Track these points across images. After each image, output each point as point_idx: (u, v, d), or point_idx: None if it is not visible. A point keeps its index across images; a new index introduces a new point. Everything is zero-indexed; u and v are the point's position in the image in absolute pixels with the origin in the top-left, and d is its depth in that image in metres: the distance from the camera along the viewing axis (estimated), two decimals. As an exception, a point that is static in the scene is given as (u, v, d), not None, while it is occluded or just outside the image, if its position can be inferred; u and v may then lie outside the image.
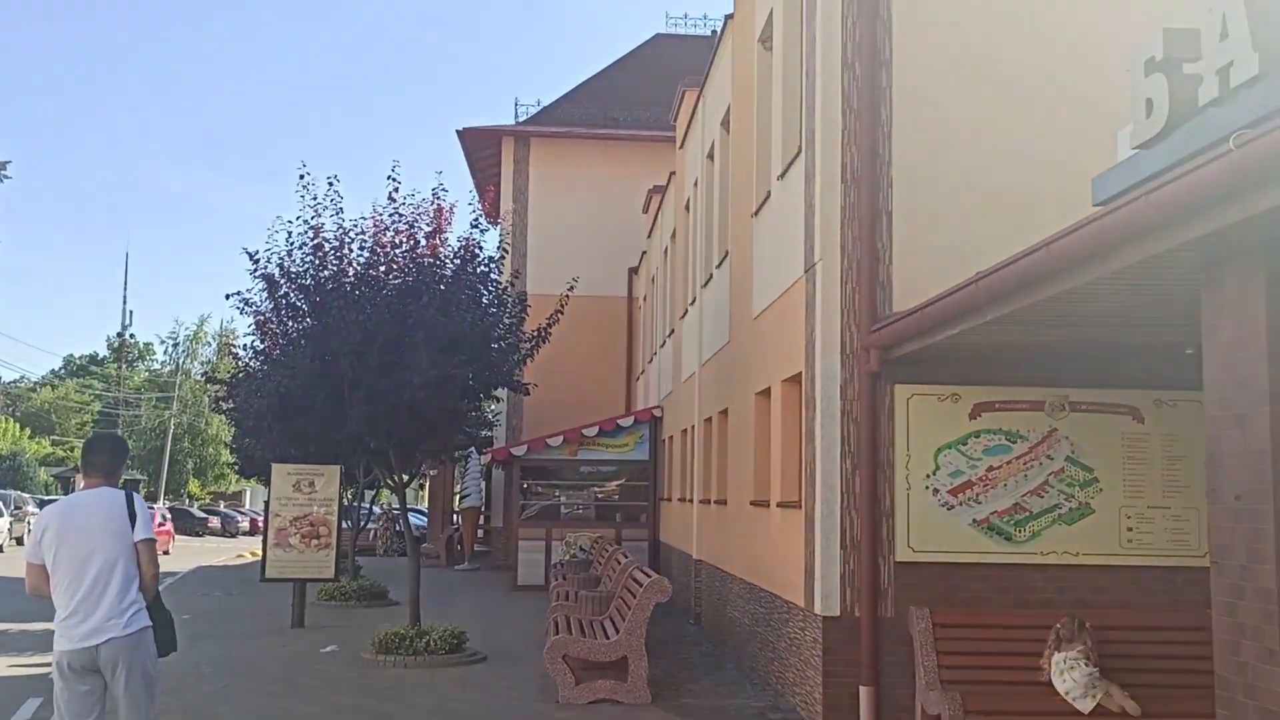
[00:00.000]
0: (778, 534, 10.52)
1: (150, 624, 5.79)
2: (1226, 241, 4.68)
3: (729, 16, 14.52)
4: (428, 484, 37.54)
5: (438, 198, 12.69)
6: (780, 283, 10.63)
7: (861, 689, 8.57)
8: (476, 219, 13.16)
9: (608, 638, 10.27)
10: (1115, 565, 8.81)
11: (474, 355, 11.80)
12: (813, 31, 9.52)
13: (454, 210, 12.74)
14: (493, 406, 20.83)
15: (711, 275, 15.21)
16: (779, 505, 10.52)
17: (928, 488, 8.82)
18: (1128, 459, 8.90)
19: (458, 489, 29.59)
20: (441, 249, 12.46)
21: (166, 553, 30.97)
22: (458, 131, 29.61)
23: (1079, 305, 6.33)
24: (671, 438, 19.90)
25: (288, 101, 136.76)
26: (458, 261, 12.44)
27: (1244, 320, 4.90)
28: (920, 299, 7.90)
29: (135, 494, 5.92)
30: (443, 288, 11.97)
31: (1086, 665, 7.92)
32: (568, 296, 13.48)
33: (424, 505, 42.44)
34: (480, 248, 12.75)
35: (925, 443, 8.86)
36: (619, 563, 13.79)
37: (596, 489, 22.55)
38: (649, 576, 10.61)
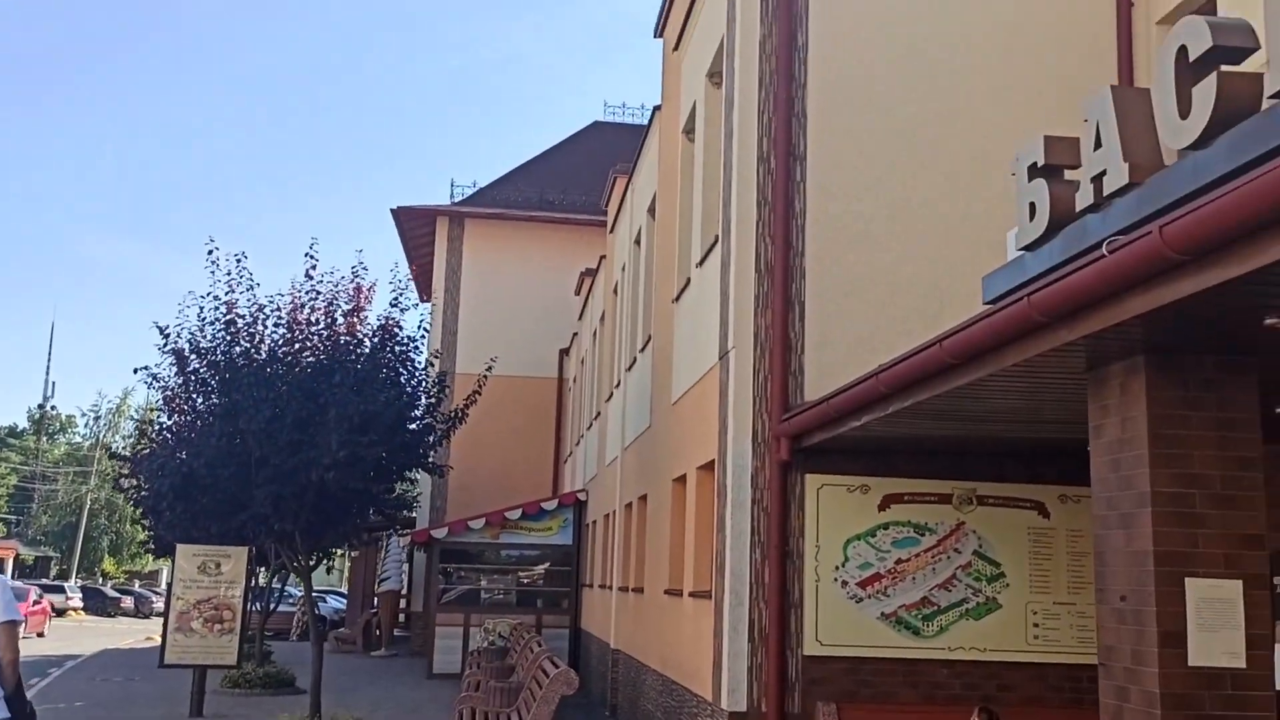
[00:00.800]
0: (689, 624, 10.37)
1: (8, 716, 5.48)
2: (1108, 343, 4.75)
3: (657, 107, 14.76)
4: (348, 566, 36.70)
5: (358, 275, 12.59)
6: (697, 369, 10.64)
7: (767, 787, 8.39)
8: (397, 297, 13.05)
9: (512, 731, 9.97)
10: (1021, 662, 8.78)
11: (387, 435, 11.61)
12: (731, 125, 9.68)
13: (374, 289, 12.66)
14: (410, 488, 20.46)
15: (635, 359, 15.22)
16: (691, 595, 10.38)
17: (836, 580, 8.76)
18: (1034, 554, 8.93)
19: (378, 571, 28.94)
20: (360, 327, 12.32)
21: (41, 634, 29.54)
22: (392, 210, 29.57)
23: (978, 400, 6.38)
24: (595, 522, 19.70)
25: (225, 174, 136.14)
26: (376, 340, 12.30)
27: (1127, 421, 4.96)
28: (831, 389, 7.93)
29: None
30: (359, 366, 11.81)
31: None
32: (486, 377, 13.38)
33: (345, 588, 41.43)
34: (400, 326, 12.64)
35: (835, 534, 8.82)
36: (532, 652, 13.49)
37: (519, 574, 22.16)
38: (556, 667, 10.36)
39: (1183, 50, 4.00)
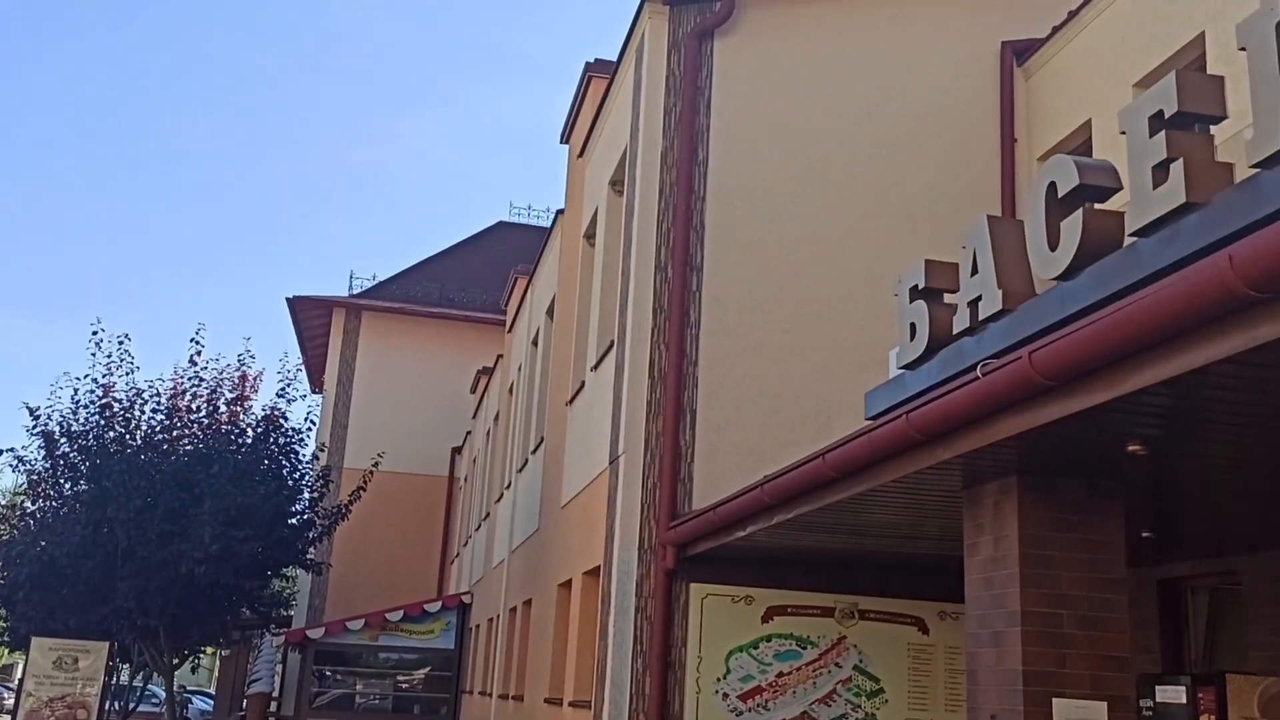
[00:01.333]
0: (568, 735, 10.12)
1: None
2: (983, 462, 4.87)
3: (560, 211, 14.93)
4: (218, 665, 35.07)
5: (244, 364, 12.32)
6: (587, 473, 10.58)
7: None
8: (285, 387, 12.77)
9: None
10: (900, 779, 8.74)
11: (264, 529, 11.24)
12: (631, 233, 9.83)
13: (261, 378, 12.39)
14: (287, 585, 19.74)
15: (527, 460, 15.08)
16: (571, 704, 10.14)
17: (718, 691, 8.66)
18: (913, 670, 8.97)
19: (249, 672, 27.68)
20: (243, 416, 12.00)
21: None
22: (288, 299, 29.13)
23: (859, 514, 6.45)
24: (479, 626, 19.22)
25: (116, 250, 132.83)
26: (259, 430, 11.98)
27: (1000, 539, 5.06)
28: (717, 497, 7.95)
29: None
30: (239, 456, 11.47)
31: None
32: (372, 472, 13.10)
33: (213, 688, 39.47)
34: (285, 418, 12.34)
35: (717, 644, 8.75)
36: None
37: (398, 678, 21.43)
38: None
39: (1052, 186, 4.21)
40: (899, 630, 9.03)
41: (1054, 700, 4.78)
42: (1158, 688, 6.06)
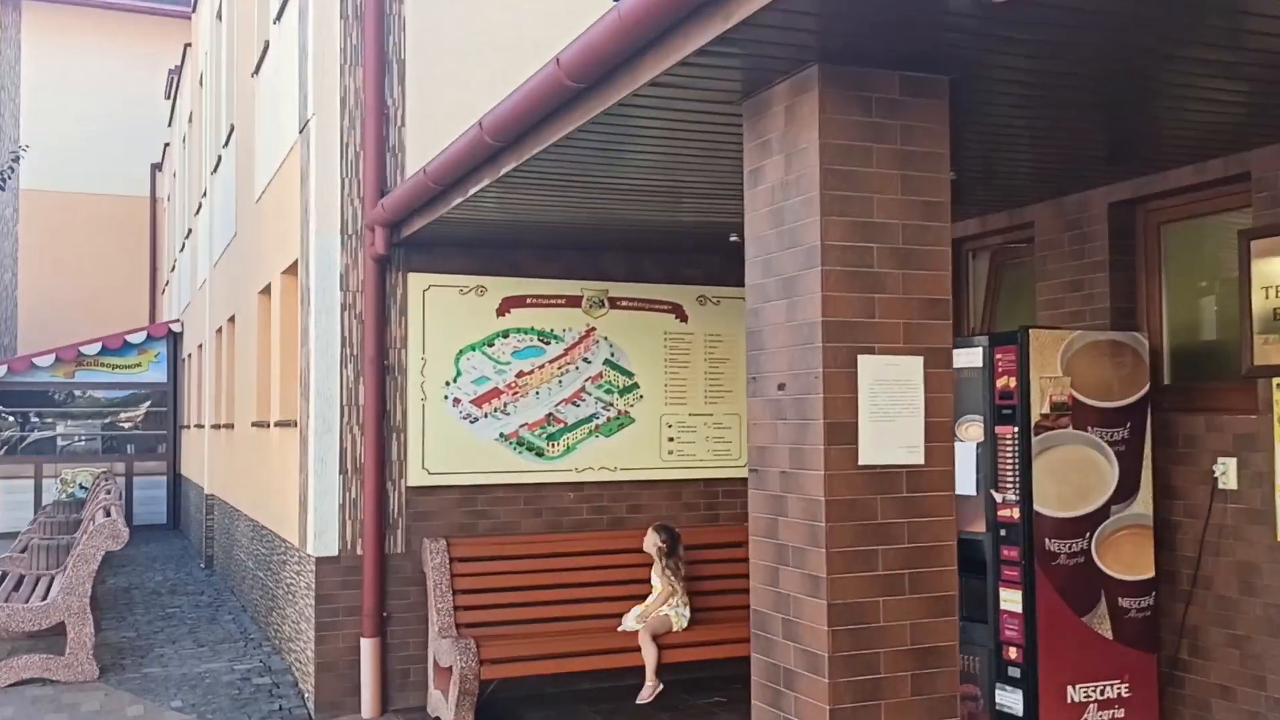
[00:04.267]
0: (276, 460, 8.69)
1: None
2: (772, 44, 3.49)
3: None
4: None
5: None
6: (279, 153, 8.67)
7: (363, 641, 7.04)
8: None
9: (44, 598, 7.97)
10: (656, 480, 7.89)
11: None
12: None
13: None
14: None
15: (220, 157, 12.80)
16: (277, 425, 8.67)
17: (447, 397, 7.38)
18: (670, 361, 7.97)
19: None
20: None
21: None
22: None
23: (607, 157, 5.04)
24: (190, 355, 17.20)
25: None
26: None
27: (793, 157, 3.77)
28: (434, 164, 6.32)
29: None
30: None
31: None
32: (12, 168, 10.56)
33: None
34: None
35: (444, 344, 7.39)
36: (98, 502, 11.29)
37: (107, 418, 19.29)
38: (109, 517, 8.39)
39: None
40: (654, 319, 7.94)
41: (860, 358, 3.67)
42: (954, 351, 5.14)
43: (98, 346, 18.27)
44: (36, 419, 18.96)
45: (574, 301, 7.73)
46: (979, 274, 7.05)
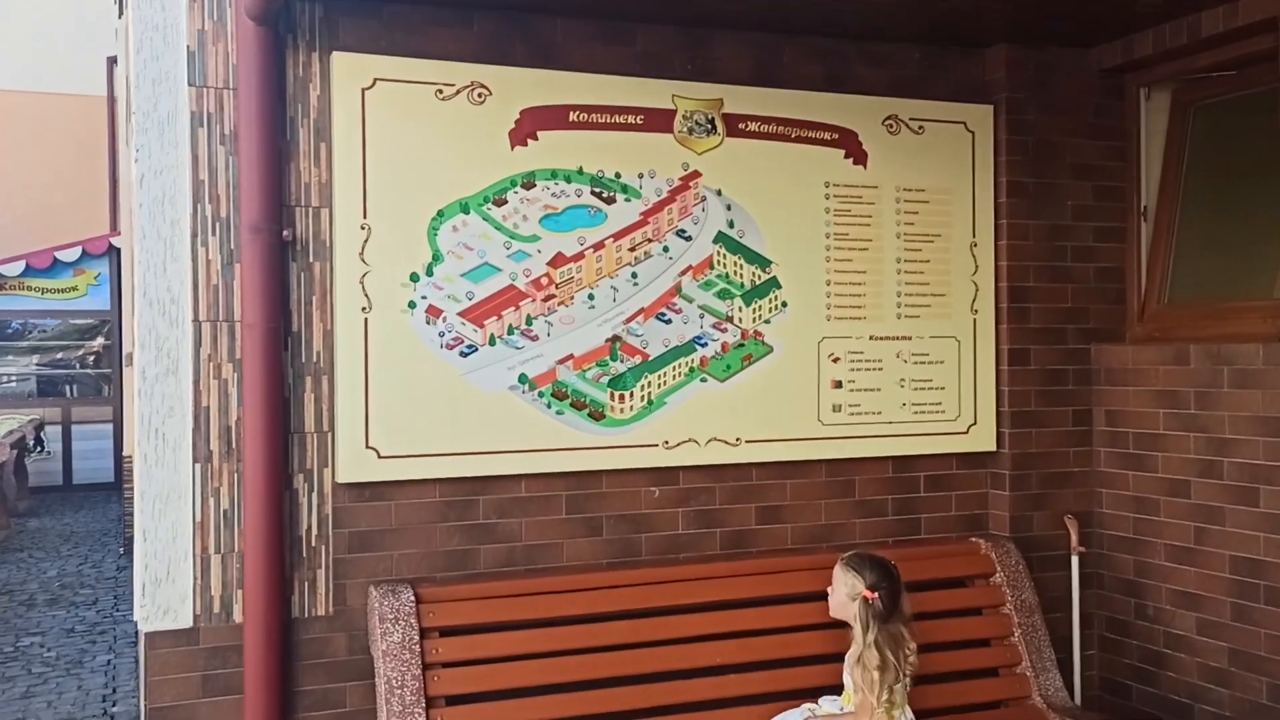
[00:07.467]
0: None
1: None
2: None
3: None
4: None
5: None
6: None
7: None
8: None
9: None
10: (812, 459, 4.22)
11: None
12: None
13: None
14: None
15: None
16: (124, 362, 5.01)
17: (414, 305, 3.77)
18: (836, 238, 4.28)
19: None
20: None
21: None
22: None
23: None
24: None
25: None
26: None
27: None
28: None
29: None
30: None
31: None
32: None
33: None
34: None
35: (406, 199, 3.82)
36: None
37: (39, 354, 15.82)
38: None
39: None
40: (809, 156, 4.25)
41: None
42: None
43: (20, 266, 14.66)
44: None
45: (659, 121, 4.00)
46: (1154, 124, 3.42)
